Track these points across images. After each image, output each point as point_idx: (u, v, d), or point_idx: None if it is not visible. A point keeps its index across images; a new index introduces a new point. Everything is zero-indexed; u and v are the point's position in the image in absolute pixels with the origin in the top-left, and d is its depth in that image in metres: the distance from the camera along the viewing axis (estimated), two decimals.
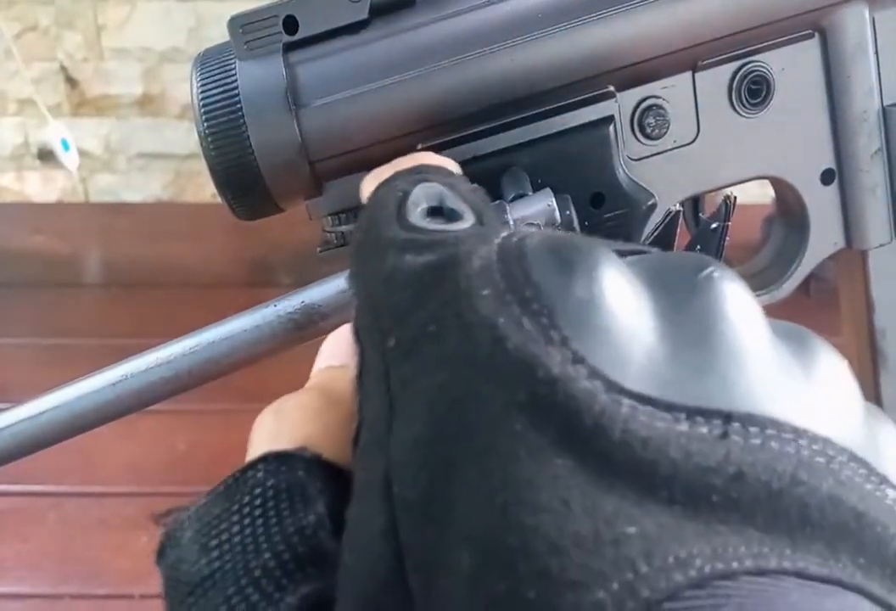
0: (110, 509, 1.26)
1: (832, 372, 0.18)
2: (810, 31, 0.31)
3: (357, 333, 0.21)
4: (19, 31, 1.71)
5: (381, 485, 0.17)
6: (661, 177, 0.32)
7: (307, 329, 0.28)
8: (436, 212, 0.22)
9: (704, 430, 0.15)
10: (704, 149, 0.32)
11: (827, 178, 0.33)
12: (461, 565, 0.15)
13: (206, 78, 0.30)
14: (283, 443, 0.21)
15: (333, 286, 0.28)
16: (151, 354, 0.28)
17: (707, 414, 0.16)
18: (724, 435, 0.15)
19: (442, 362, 0.17)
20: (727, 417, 0.16)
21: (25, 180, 1.83)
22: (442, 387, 0.17)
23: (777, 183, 0.34)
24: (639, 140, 0.31)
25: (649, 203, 0.31)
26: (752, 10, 0.30)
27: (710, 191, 0.33)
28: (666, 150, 0.32)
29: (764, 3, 0.30)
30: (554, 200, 0.27)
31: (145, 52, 1.73)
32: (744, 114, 0.32)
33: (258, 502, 0.20)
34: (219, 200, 0.31)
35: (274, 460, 0.21)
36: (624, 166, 0.31)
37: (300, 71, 0.30)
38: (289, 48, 0.30)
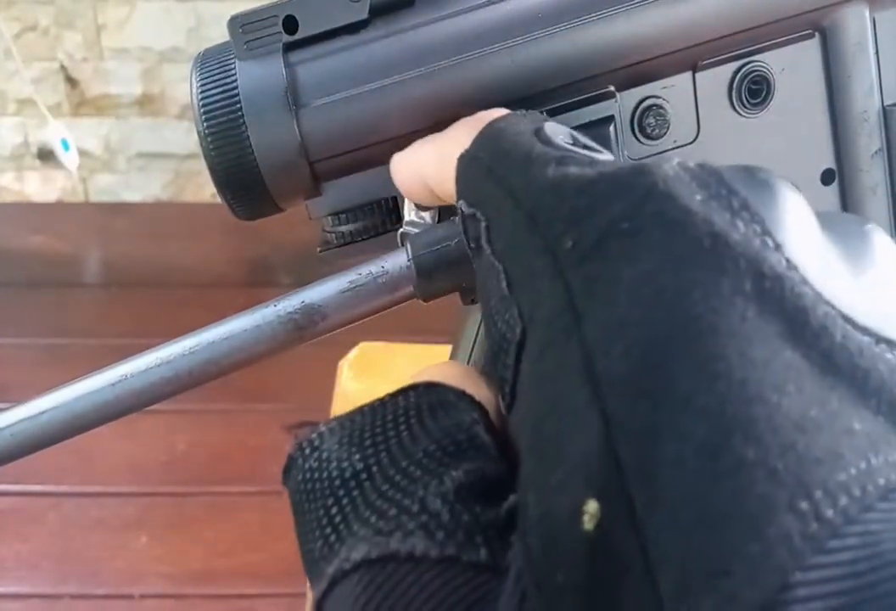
0: (110, 509, 1.26)
1: None
2: (811, 30, 0.31)
3: (496, 252, 0.21)
4: (19, 30, 1.71)
5: (581, 364, 0.17)
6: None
7: (307, 329, 0.28)
8: (575, 140, 0.23)
9: (893, 357, 0.17)
10: (704, 149, 0.32)
11: (827, 178, 0.33)
12: (695, 434, 0.15)
13: (206, 78, 0.30)
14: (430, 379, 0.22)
15: (333, 286, 0.28)
16: (151, 354, 0.28)
17: (890, 343, 0.17)
18: None
19: (643, 254, 0.18)
20: None
21: (25, 180, 1.83)
22: (647, 274, 0.17)
23: None
24: (639, 140, 0.31)
25: None
26: (753, 10, 0.30)
27: None
28: (666, 151, 0.32)
29: (764, 3, 0.30)
30: None
31: (145, 51, 1.73)
32: (744, 114, 0.32)
33: (413, 411, 0.21)
34: (218, 200, 0.31)
35: (424, 387, 0.22)
36: None
37: (300, 71, 0.30)
38: (289, 48, 0.30)
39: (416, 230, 0.29)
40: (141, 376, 0.27)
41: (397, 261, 0.27)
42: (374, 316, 0.28)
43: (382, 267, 0.28)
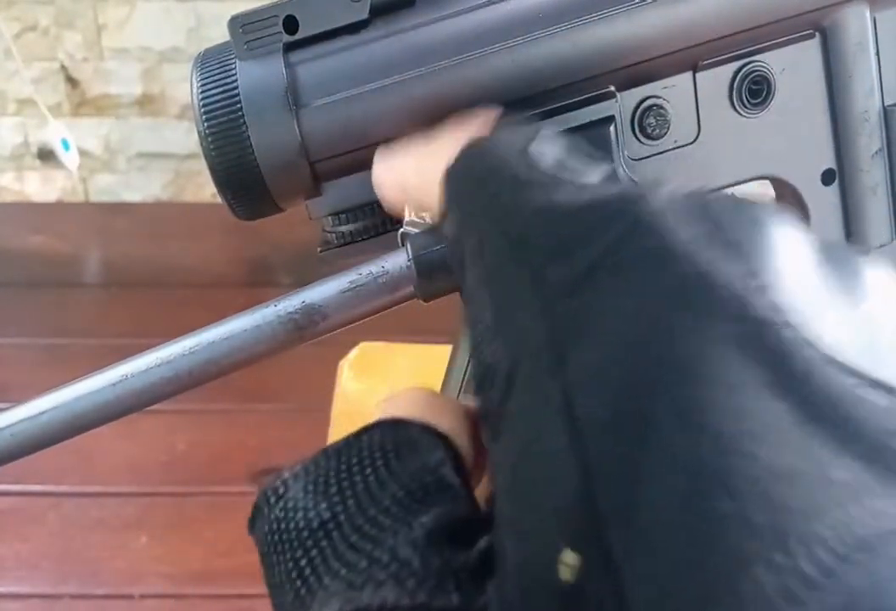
0: (110, 509, 1.26)
1: None
2: (811, 30, 0.31)
3: (482, 277, 0.21)
4: (19, 30, 1.71)
5: (561, 406, 0.17)
6: (662, 177, 0.32)
7: (307, 329, 0.28)
8: (561, 164, 0.22)
9: (878, 398, 0.16)
10: (705, 149, 0.32)
11: (827, 178, 0.33)
12: (674, 485, 0.15)
13: (206, 78, 0.30)
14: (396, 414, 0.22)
15: (333, 286, 0.28)
16: (151, 354, 0.28)
17: (879, 386, 0.17)
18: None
19: (629, 292, 0.17)
20: (892, 391, 0.17)
21: (25, 180, 1.83)
22: (632, 315, 0.17)
23: (778, 183, 0.33)
24: (639, 140, 0.31)
25: None
26: (753, 10, 0.30)
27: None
28: (666, 151, 0.32)
29: (765, 4, 0.30)
30: None
31: (145, 51, 1.73)
32: (744, 114, 0.32)
33: (378, 453, 0.21)
34: (219, 199, 0.31)
35: (388, 425, 0.22)
36: (624, 167, 0.31)
37: (300, 71, 0.30)
38: (289, 48, 0.30)
39: (416, 230, 0.29)
40: (141, 376, 0.27)
41: (397, 261, 0.27)
42: (374, 316, 0.28)
43: (382, 267, 0.28)
